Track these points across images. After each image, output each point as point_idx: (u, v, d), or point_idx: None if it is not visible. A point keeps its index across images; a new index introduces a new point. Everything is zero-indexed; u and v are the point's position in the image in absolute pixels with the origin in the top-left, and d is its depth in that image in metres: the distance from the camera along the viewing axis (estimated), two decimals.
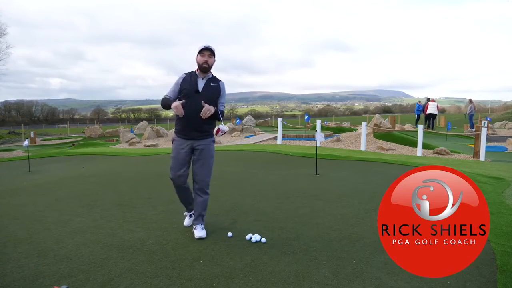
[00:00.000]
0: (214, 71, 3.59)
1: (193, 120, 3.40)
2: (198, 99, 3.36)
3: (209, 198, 3.64)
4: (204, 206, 3.60)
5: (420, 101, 21.98)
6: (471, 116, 19.77)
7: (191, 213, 3.84)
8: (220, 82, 3.55)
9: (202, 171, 3.52)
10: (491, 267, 2.83)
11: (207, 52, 3.41)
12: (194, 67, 3.59)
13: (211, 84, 3.49)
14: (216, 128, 3.52)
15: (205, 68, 3.44)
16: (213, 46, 3.43)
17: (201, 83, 3.46)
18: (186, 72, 3.56)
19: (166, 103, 3.42)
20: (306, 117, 21.32)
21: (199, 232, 3.52)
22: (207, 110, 3.28)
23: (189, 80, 3.47)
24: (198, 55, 3.43)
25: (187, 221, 3.86)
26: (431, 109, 18.39)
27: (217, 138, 3.81)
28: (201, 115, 3.29)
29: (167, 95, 3.48)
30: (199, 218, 3.59)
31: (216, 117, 3.49)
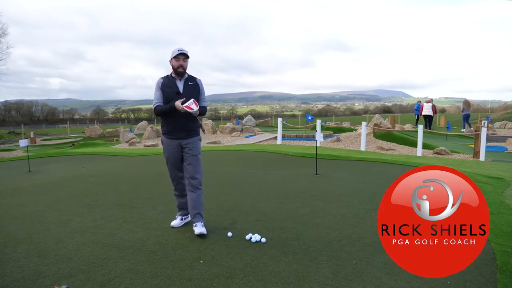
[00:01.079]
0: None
1: (180, 121, 3.56)
2: (183, 100, 3.51)
3: (202, 194, 3.72)
4: (200, 202, 3.68)
5: (419, 101, 21.95)
6: (465, 116, 19.52)
7: (182, 217, 3.92)
8: (197, 80, 3.72)
9: (192, 169, 3.64)
10: (491, 267, 2.83)
11: (182, 56, 3.56)
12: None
13: (190, 83, 3.65)
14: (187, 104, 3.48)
15: (181, 72, 3.59)
16: (186, 50, 3.57)
17: (180, 84, 3.61)
18: (162, 76, 3.70)
19: (163, 110, 3.57)
20: (309, 117, 19.55)
21: (199, 228, 3.57)
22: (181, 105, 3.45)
23: (167, 83, 3.62)
24: (173, 59, 3.56)
25: (175, 222, 3.89)
26: (426, 110, 18.45)
27: (204, 136, 3.82)
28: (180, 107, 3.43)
29: (158, 102, 3.63)
30: (197, 216, 3.65)
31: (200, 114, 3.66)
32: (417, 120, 21.14)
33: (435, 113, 19.76)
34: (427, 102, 18.78)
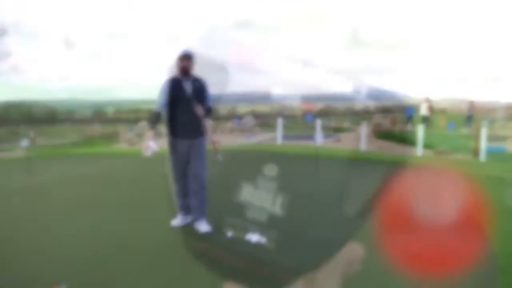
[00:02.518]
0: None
1: (188, 122, 3.62)
2: (190, 101, 3.59)
3: (206, 192, 3.78)
4: (204, 201, 3.73)
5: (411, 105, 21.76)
6: (470, 116, 19.40)
7: (183, 217, 3.92)
8: (202, 80, 3.77)
9: (198, 168, 3.70)
10: (491, 267, 2.83)
11: (186, 58, 3.61)
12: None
13: (196, 84, 3.70)
14: (147, 144, 3.74)
15: (185, 73, 3.64)
16: (190, 51, 3.60)
17: (188, 86, 3.64)
18: (169, 78, 3.72)
19: (151, 119, 3.78)
20: (309, 118, 19.79)
21: (204, 226, 3.64)
22: (199, 108, 3.60)
23: (176, 86, 3.65)
24: (179, 61, 3.61)
25: (176, 222, 3.90)
26: (423, 110, 18.42)
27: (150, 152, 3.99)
28: (197, 112, 3.59)
29: (160, 106, 3.69)
30: (201, 214, 3.71)
31: (207, 114, 3.74)
32: (412, 121, 20.88)
33: (432, 113, 19.67)
34: (425, 102, 18.71)
